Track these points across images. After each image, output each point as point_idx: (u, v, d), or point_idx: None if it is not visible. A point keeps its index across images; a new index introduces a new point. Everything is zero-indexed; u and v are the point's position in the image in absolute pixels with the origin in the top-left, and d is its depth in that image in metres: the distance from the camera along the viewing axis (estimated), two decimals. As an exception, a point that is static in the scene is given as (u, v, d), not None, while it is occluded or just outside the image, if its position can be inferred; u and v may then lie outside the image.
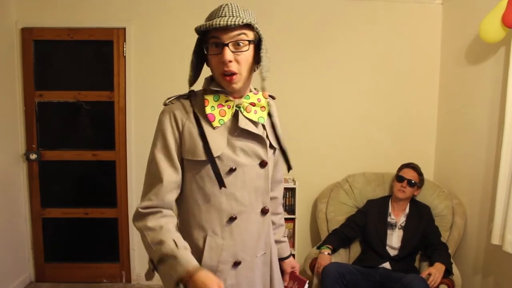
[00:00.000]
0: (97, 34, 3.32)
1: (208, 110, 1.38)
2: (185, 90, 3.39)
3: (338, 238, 2.91)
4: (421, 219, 2.84)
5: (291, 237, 3.30)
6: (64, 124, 3.47)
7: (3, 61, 3.17)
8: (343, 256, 2.95)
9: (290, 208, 3.29)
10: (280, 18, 3.31)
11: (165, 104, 1.46)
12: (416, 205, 2.92)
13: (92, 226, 3.52)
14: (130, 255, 3.51)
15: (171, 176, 1.34)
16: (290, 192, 3.27)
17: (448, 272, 2.56)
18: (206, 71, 1.50)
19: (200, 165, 1.36)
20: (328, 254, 2.74)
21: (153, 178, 1.35)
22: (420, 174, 2.94)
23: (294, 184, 3.25)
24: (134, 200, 3.45)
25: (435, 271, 2.50)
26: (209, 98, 1.39)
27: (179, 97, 1.48)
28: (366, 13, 3.34)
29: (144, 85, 3.38)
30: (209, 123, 1.37)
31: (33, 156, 3.36)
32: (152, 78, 3.37)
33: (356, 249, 3.01)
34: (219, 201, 1.38)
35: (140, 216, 1.33)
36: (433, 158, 3.45)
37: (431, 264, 2.60)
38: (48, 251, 3.51)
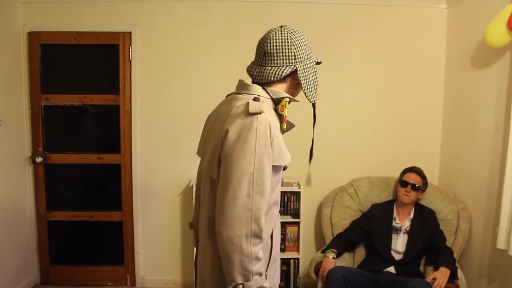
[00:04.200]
0: (103, 38, 3.34)
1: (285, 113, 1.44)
2: (190, 94, 3.41)
3: (342, 242, 2.90)
4: (425, 223, 2.83)
5: (296, 240, 3.30)
6: (69, 128, 3.49)
7: (10, 64, 3.20)
8: (348, 260, 2.95)
9: (294, 212, 3.29)
10: (287, 22, 3.32)
11: (259, 112, 1.31)
12: (421, 210, 2.91)
13: (97, 229, 3.53)
14: (135, 258, 3.52)
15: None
16: (294, 196, 3.27)
17: (453, 277, 2.55)
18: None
19: (280, 168, 1.42)
20: (333, 258, 2.74)
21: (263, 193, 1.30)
22: (423, 177, 2.93)
23: (299, 188, 3.25)
24: (139, 203, 3.47)
25: (440, 276, 2.49)
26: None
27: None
28: (371, 17, 3.35)
29: (150, 89, 3.39)
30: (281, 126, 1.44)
31: (39, 159, 3.38)
32: (157, 82, 3.39)
33: (360, 253, 3.01)
34: (278, 197, 1.48)
35: (256, 237, 1.28)
36: (438, 163, 3.45)
37: (436, 269, 2.60)
38: (53, 254, 3.52)
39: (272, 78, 1.43)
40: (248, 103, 1.33)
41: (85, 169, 3.48)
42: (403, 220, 2.88)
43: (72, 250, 3.57)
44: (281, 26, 1.47)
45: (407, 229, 2.84)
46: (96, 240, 3.57)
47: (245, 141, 1.27)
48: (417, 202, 2.95)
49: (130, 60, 3.35)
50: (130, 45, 3.34)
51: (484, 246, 2.82)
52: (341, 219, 3.12)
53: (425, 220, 2.85)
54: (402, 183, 2.90)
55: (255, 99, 1.36)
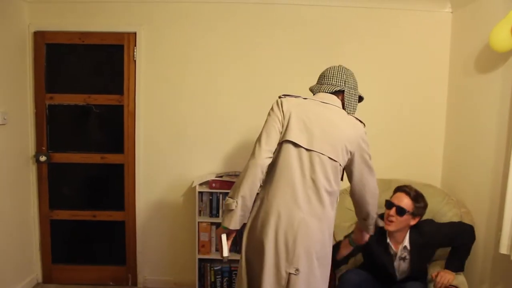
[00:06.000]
0: (108, 38, 3.35)
1: None
2: (194, 95, 3.41)
3: None
4: (426, 244, 2.47)
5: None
6: (73, 127, 3.51)
7: (15, 63, 3.22)
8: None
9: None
10: (292, 26, 3.34)
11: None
12: (418, 229, 2.49)
13: (99, 228, 3.54)
14: (137, 258, 3.52)
15: None
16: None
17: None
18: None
19: None
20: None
21: None
22: (416, 200, 2.45)
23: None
24: (141, 203, 3.48)
25: (445, 275, 2.41)
26: None
27: None
28: (376, 21, 3.35)
29: (154, 89, 3.41)
30: None
31: (43, 158, 3.39)
32: (161, 83, 3.40)
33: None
34: None
35: None
36: (440, 166, 3.44)
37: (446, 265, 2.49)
38: (55, 252, 3.54)
39: (326, 91, 2.05)
40: (359, 119, 2.03)
41: (89, 168, 3.50)
42: (396, 248, 2.50)
43: (75, 249, 3.59)
44: (341, 65, 2.14)
45: (403, 256, 2.50)
46: (98, 240, 3.58)
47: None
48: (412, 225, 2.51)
49: (135, 61, 3.37)
50: (135, 45, 3.35)
51: (486, 251, 2.81)
52: (342, 221, 3.10)
53: (425, 240, 2.47)
54: (387, 203, 2.47)
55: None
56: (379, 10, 3.33)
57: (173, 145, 3.45)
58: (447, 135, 3.40)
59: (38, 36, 3.33)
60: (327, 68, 2.14)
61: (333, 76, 2.08)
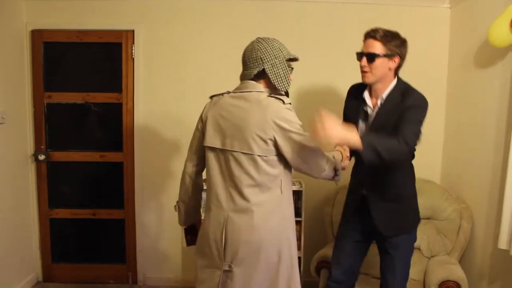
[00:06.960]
0: (106, 36, 3.34)
1: None
2: (192, 92, 3.40)
3: None
4: (398, 106, 2.11)
5: (298, 239, 3.29)
6: (72, 125, 3.50)
7: (13, 62, 3.21)
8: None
9: (296, 211, 3.26)
10: (291, 23, 3.33)
11: (290, 102, 1.88)
12: (406, 90, 2.18)
13: (99, 227, 3.55)
14: (137, 256, 3.52)
15: None
16: (296, 195, 3.27)
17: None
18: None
19: None
20: None
21: None
22: (386, 40, 2.05)
23: (301, 187, 3.25)
24: (141, 201, 3.48)
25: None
26: None
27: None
28: (374, 17, 3.33)
29: (152, 87, 3.40)
30: None
31: (42, 157, 3.39)
32: (160, 80, 3.40)
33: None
34: None
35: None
36: (440, 162, 3.44)
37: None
38: (55, 251, 3.54)
39: (246, 78, 1.93)
40: (277, 97, 1.84)
41: (88, 167, 3.50)
42: (374, 104, 2.15)
43: (75, 247, 3.59)
44: (256, 39, 1.96)
45: (374, 117, 2.11)
46: (98, 238, 3.58)
47: (295, 119, 1.85)
48: (404, 84, 2.21)
49: (133, 59, 3.36)
50: (133, 43, 3.35)
51: (485, 246, 2.82)
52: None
53: (401, 104, 2.10)
54: (357, 55, 2.13)
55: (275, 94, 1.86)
56: (377, 6, 3.32)
57: (172, 142, 3.44)
58: (447, 131, 3.40)
59: (36, 34, 3.32)
60: (243, 51, 1.97)
61: (248, 60, 1.92)
